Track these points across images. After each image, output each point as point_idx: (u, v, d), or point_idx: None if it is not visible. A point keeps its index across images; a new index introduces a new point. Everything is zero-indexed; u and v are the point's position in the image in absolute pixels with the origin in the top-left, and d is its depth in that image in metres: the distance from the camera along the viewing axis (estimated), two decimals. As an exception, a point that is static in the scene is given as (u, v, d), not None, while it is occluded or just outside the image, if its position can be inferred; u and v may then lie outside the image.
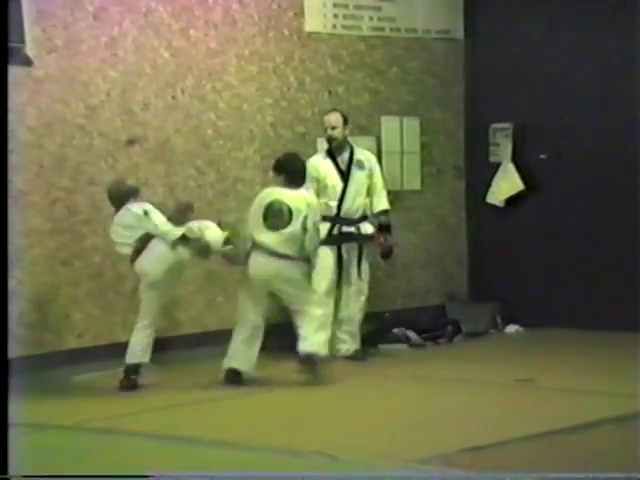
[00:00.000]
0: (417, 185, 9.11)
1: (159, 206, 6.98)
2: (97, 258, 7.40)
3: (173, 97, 7.78)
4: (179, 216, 6.94)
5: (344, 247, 7.72)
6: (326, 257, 7.61)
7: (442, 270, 9.22)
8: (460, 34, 9.32)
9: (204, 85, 7.94)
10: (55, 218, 7.22)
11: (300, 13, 8.46)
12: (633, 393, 6.25)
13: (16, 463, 5.05)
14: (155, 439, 5.57)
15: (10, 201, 6.90)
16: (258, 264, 6.87)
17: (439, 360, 7.79)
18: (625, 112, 8.46)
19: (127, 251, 6.83)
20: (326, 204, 7.65)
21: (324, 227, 7.59)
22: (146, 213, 6.76)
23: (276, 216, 6.91)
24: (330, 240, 7.64)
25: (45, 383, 6.84)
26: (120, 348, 7.34)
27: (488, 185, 9.13)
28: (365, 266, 7.81)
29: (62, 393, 6.78)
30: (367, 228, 7.79)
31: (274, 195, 6.97)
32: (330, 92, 8.64)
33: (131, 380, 6.81)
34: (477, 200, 9.25)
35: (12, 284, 6.94)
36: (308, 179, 7.60)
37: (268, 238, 6.84)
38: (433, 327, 8.60)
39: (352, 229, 7.73)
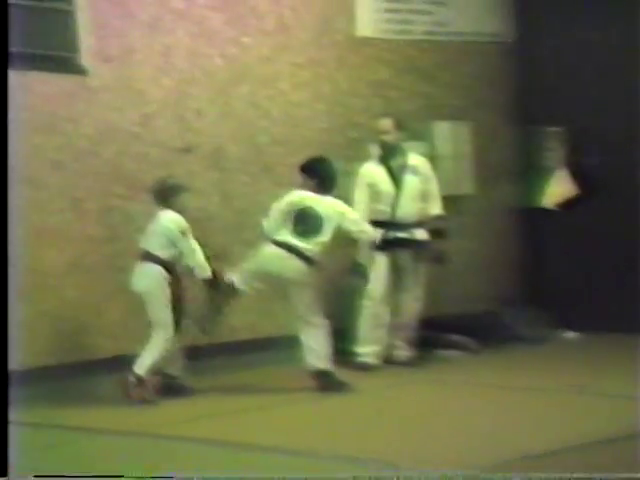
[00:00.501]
0: (470, 190, 9.07)
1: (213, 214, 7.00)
2: (153, 265, 7.44)
3: (226, 104, 7.84)
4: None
5: (398, 253, 7.69)
6: (380, 263, 7.62)
7: (496, 275, 9.16)
8: (511, 37, 9.27)
9: (257, 92, 7.99)
10: (111, 225, 7.29)
11: (352, 19, 8.49)
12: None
13: (73, 467, 5.13)
14: (212, 445, 5.59)
15: (67, 208, 7.04)
16: (278, 259, 6.84)
17: (494, 366, 7.73)
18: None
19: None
20: (379, 210, 7.65)
21: (377, 233, 7.59)
22: (183, 234, 6.72)
23: (308, 224, 6.90)
24: (384, 246, 7.62)
25: (102, 389, 6.87)
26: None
27: (541, 189, 9.07)
28: (419, 272, 7.78)
29: (119, 399, 6.76)
30: (421, 234, 7.76)
31: (307, 201, 6.92)
32: (382, 97, 8.64)
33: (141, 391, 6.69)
34: (530, 204, 9.19)
35: (70, 290, 7.05)
36: (361, 184, 7.65)
37: (290, 240, 6.86)
38: (488, 333, 8.54)
39: (406, 235, 7.69)
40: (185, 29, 7.64)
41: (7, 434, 4.24)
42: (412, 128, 8.69)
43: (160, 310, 6.71)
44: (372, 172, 7.70)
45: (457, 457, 5.18)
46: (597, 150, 8.87)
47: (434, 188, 7.83)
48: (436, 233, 7.79)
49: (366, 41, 8.55)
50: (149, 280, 6.72)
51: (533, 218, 9.24)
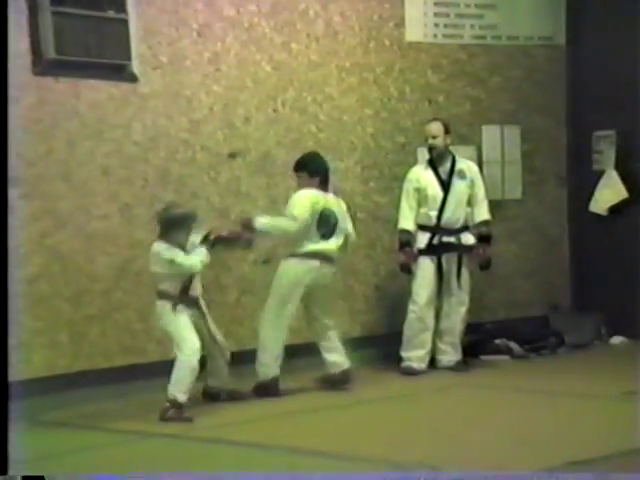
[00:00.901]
0: (518, 194, 9.03)
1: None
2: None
3: (274, 110, 7.88)
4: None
5: (444, 257, 7.67)
6: (426, 267, 7.62)
7: (545, 280, 9.12)
8: (562, 40, 9.21)
9: (305, 97, 8.01)
10: (159, 230, 7.37)
11: (401, 23, 8.49)
12: None
13: (118, 470, 5.21)
14: (257, 448, 5.63)
15: (116, 214, 7.14)
16: (314, 271, 6.89)
17: (542, 372, 7.70)
18: None
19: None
20: (426, 214, 7.65)
21: (424, 237, 7.62)
22: (172, 263, 6.41)
23: (327, 225, 6.95)
24: (430, 250, 7.63)
25: (149, 392, 6.91)
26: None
27: (591, 194, 9.00)
28: (465, 276, 7.75)
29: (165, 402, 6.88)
30: (468, 238, 7.73)
31: (322, 202, 6.95)
32: (430, 102, 8.64)
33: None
34: (580, 209, 9.12)
35: (118, 295, 7.15)
36: (409, 189, 7.65)
37: (321, 246, 6.89)
38: (536, 338, 8.50)
39: (452, 239, 7.67)
40: (234, 36, 7.69)
41: (7, 434, 4.29)
42: (460, 132, 8.73)
43: (178, 333, 6.49)
44: (420, 176, 7.71)
45: (501, 462, 5.16)
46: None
47: (481, 193, 7.80)
48: (482, 238, 7.77)
49: (415, 46, 8.55)
50: (160, 319, 6.56)
51: (583, 223, 9.17)
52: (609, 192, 8.92)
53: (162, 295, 6.49)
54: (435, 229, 7.65)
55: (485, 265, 7.79)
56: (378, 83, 8.38)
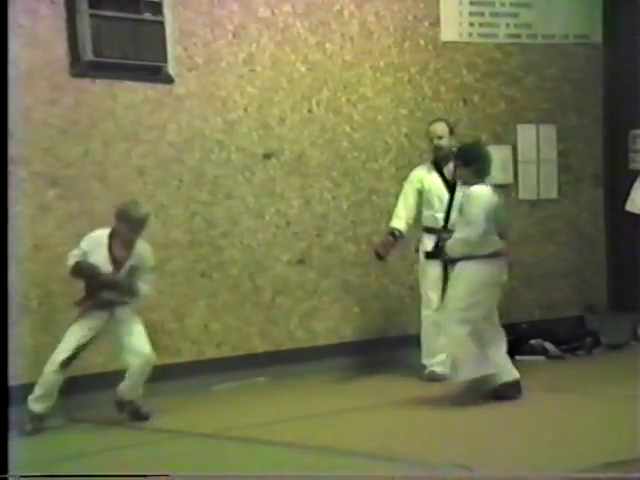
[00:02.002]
0: (554, 194, 8.98)
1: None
2: (235, 270, 7.55)
3: (309, 110, 7.89)
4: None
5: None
6: (434, 271, 7.38)
7: (581, 280, 9.07)
8: (598, 39, 9.14)
9: (339, 97, 8.02)
10: (194, 231, 7.40)
11: (436, 23, 8.47)
12: None
13: (153, 468, 5.24)
14: (292, 448, 5.64)
15: (152, 214, 7.17)
16: (502, 270, 6.69)
17: (578, 373, 7.64)
18: None
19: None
20: (432, 216, 7.46)
21: (431, 240, 7.41)
22: (132, 270, 6.31)
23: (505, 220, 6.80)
24: (437, 253, 7.27)
25: (184, 392, 6.98)
26: (257, 359, 7.53)
27: (627, 193, 8.92)
28: None
29: (200, 402, 6.91)
30: None
31: (495, 197, 6.69)
32: (465, 101, 8.61)
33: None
34: (616, 208, 9.03)
35: (153, 294, 7.19)
36: (409, 190, 7.46)
37: (500, 244, 6.70)
38: (571, 338, 8.46)
39: None
40: (269, 37, 7.71)
41: (7, 434, 4.33)
42: (495, 132, 8.71)
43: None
44: (423, 178, 7.52)
45: (537, 463, 5.12)
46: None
47: None
48: None
49: (450, 45, 8.52)
50: None
51: (619, 222, 9.10)
52: (644, 192, 8.85)
53: None
54: (441, 232, 7.36)
55: None
56: (412, 83, 8.36)
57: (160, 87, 7.23)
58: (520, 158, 8.80)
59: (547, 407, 6.59)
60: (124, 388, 6.41)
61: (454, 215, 7.34)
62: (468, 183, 6.70)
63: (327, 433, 6.00)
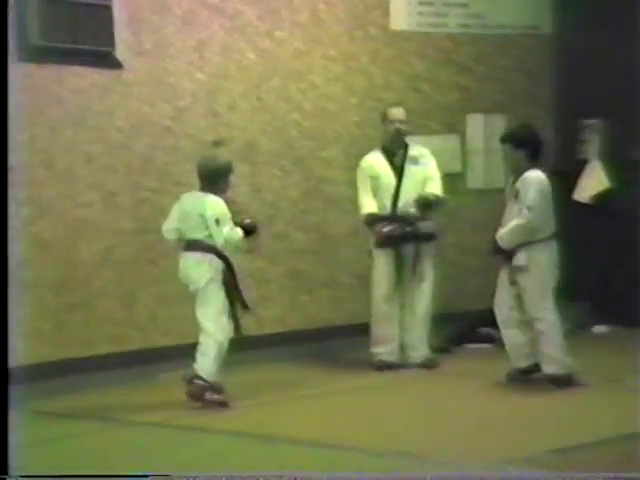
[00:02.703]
0: (501, 183, 8.98)
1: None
2: (182, 257, 7.53)
3: (258, 98, 7.88)
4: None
5: (402, 248, 7.35)
6: (384, 259, 7.34)
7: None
8: (549, 30, 9.21)
9: (289, 86, 8.01)
10: (142, 218, 7.36)
11: (386, 12, 8.48)
12: None
13: (100, 457, 5.22)
14: (237, 437, 5.66)
15: (99, 201, 7.13)
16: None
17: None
18: None
19: (173, 237, 6.50)
20: (381, 202, 7.35)
21: (382, 228, 7.33)
22: (218, 222, 6.33)
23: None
24: (386, 241, 7.31)
25: (131, 380, 6.95)
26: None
27: (575, 182, 9.02)
28: (426, 266, 7.40)
29: (148, 390, 6.89)
30: (426, 227, 7.39)
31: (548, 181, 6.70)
32: (416, 90, 8.63)
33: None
34: (565, 197, 9.11)
35: (100, 282, 7.16)
36: (364, 177, 7.36)
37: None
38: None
39: (409, 228, 7.35)
40: (219, 23, 7.69)
41: (7, 433, 4.30)
42: (446, 121, 8.74)
43: (214, 303, 6.35)
44: (373, 164, 7.43)
45: (482, 450, 5.20)
46: (634, 144, 8.80)
47: (433, 171, 7.44)
48: (423, 203, 7.37)
49: (400, 34, 8.54)
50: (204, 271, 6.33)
51: (568, 211, 9.15)
52: (593, 181, 8.94)
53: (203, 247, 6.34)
54: (390, 219, 7.34)
55: (430, 237, 7.38)
56: (363, 72, 8.37)
57: (108, 72, 7.19)
58: (469, 147, 8.84)
59: (493, 394, 6.65)
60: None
61: (402, 201, 7.37)
62: (519, 168, 6.66)
63: (273, 421, 6.04)
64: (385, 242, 7.31)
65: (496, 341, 8.28)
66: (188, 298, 7.48)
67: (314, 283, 7.84)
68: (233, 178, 6.56)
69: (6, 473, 4.30)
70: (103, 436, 5.83)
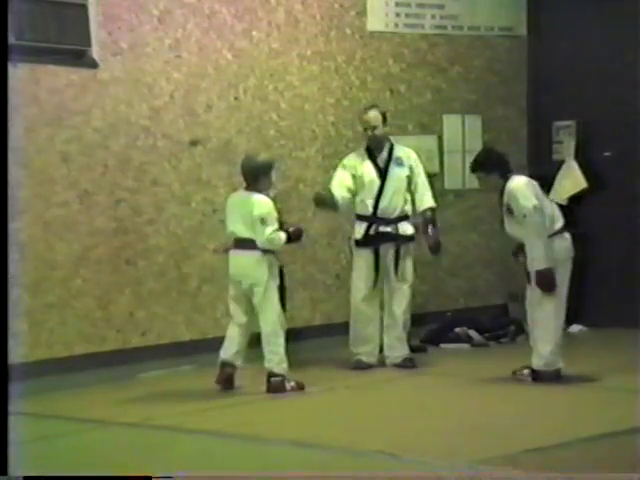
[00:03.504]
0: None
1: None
2: (160, 257, 7.50)
3: (235, 98, 7.86)
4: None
5: (382, 248, 7.37)
6: (364, 259, 7.35)
7: (505, 269, 9.14)
8: (523, 31, 9.27)
9: (266, 86, 8.00)
10: (119, 218, 7.33)
11: (362, 12, 8.49)
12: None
13: (78, 458, 5.19)
14: (218, 437, 5.63)
15: (75, 201, 7.09)
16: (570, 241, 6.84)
17: (501, 360, 7.68)
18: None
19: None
20: (363, 202, 7.36)
21: (361, 227, 7.36)
22: (263, 222, 6.55)
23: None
24: (367, 241, 7.34)
25: (109, 381, 6.93)
26: (183, 347, 7.49)
27: (551, 183, 9.06)
28: (406, 267, 7.40)
29: (126, 390, 6.86)
30: (406, 228, 7.39)
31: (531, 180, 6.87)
32: (392, 91, 8.66)
33: (224, 373, 6.73)
34: (540, 198, 9.18)
35: (78, 282, 7.12)
36: (343, 171, 7.37)
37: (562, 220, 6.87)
38: (495, 327, 8.55)
39: (390, 229, 7.37)
40: (195, 23, 7.66)
41: (7, 433, 4.26)
42: (421, 121, 8.77)
43: (275, 298, 6.67)
44: (356, 164, 7.41)
45: (460, 449, 5.20)
46: (609, 145, 8.87)
47: (422, 180, 7.49)
48: (429, 222, 7.46)
49: (376, 35, 8.56)
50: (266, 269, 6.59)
51: (543, 212, 9.23)
52: (568, 182, 8.99)
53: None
54: (372, 218, 7.36)
55: (435, 248, 7.49)
56: (339, 72, 8.38)
57: (84, 72, 7.15)
58: (446, 148, 8.88)
59: (470, 394, 6.67)
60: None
61: (385, 202, 7.39)
62: (498, 186, 6.78)
63: (253, 421, 6.03)
64: (363, 241, 7.31)
65: (472, 341, 8.36)
66: (165, 298, 7.52)
67: (292, 283, 7.81)
68: (275, 175, 6.74)
69: (6, 473, 4.26)
70: (80, 437, 5.79)
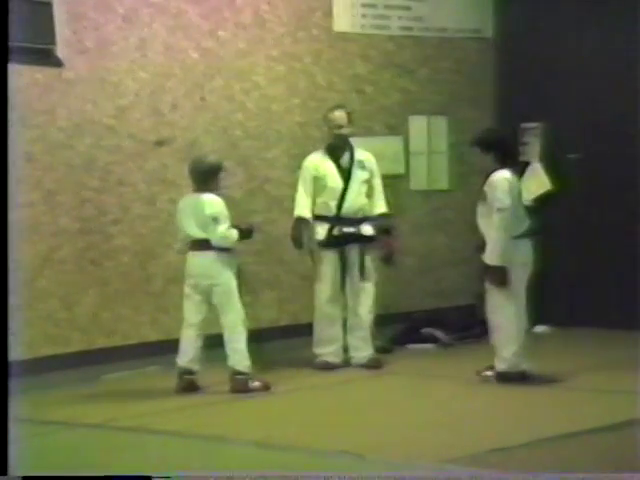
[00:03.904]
0: (444, 185, 9.10)
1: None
2: (126, 258, 7.51)
3: (202, 98, 7.87)
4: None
5: (346, 249, 7.40)
6: (327, 260, 7.38)
7: (471, 270, 9.13)
8: (489, 33, 9.32)
9: (233, 86, 8.01)
10: (84, 218, 7.33)
11: (329, 13, 8.51)
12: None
13: (41, 460, 5.15)
14: (181, 437, 5.64)
15: (40, 201, 7.05)
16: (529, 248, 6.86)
17: (468, 360, 7.69)
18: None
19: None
20: (325, 204, 7.40)
21: (323, 228, 7.39)
22: (215, 221, 6.62)
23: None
24: (330, 242, 7.37)
25: (73, 382, 6.90)
26: (148, 347, 7.47)
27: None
28: (369, 268, 7.43)
29: (90, 392, 6.84)
30: (368, 229, 7.44)
31: (516, 180, 6.88)
32: (359, 92, 8.68)
33: (183, 382, 6.75)
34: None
35: (42, 283, 7.09)
36: (306, 177, 7.39)
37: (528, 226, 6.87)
38: (462, 327, 8.57)
39: (352, 230, 7.40)
40: (161, 22, 7.67)
41: (7, 433, 4.25)
42: (388, 123, 8.80)
43: (236, 296, 6.73)
44: (318, 165, 7.44)
45: (425, 449, 5.23)
46: (574, 147, 8.94)
47: (378, 184, 7.55)
48: (383, 231, 7.50)
49: (343, 36, 8.58)
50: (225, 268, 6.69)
51: (509, 213, 9.28)
52: (534, 183, 9.01)
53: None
54: (334, 220, 7.39)
55: (388, 258, 7.52)
56: (306, 72, 8.40)
57: (49, 70, 7.13)
58: (412, 149, 8.90)
59: (436, 394, 6.71)
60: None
61: (348, 204, 7.41)
62: (488, 170, 6.78)
63: (217, 421, 6.04)
64: (327, 242, 7.35)
65: (438, 341, 8.39)
66: (131, 298, 7.50)
67: (258, 283, 7.82)
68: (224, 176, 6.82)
69: (6, 473, 4.24)
70: (44, 438, 5.76)
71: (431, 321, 8.52)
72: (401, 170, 8.81)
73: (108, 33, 7.41)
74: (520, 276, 6.79)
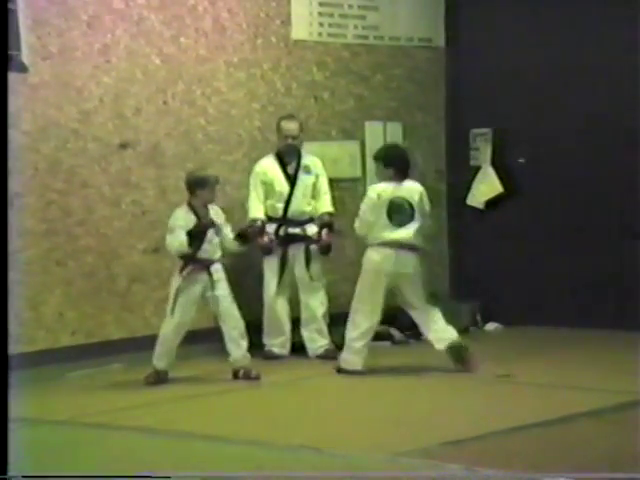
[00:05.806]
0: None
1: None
2: (90, 258, 7.58)
3: (164, 102, 7.97)
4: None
5: (290, 248, 7.91)
6: (273, 258, 7.88)
7: (424, 270, 9.38)
8: (441, 42, 9.52)
9: (194, 91, 8.12)
10: (49, 219, 7.40)
11: (287, 21, 8.65)
12: (607, 388, 6.48)
13: (10, 458, 5.21)
14: (146, 433, 5.72)
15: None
16: (387, 258, 7.12)
17: (421, 356, 7.83)
18: (603, 117, 8.71)
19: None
20: (273, 206, 7.91)
21: (270, 228, 7.88)
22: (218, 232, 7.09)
23: (401, 213, 7.19)
24: (277, 241, 7.88)
25: (39, 380, 6.93)
26: (113, 346, 7.57)
27: (468, 188, 9.34)
28: (316, 265, 7.95)
29: (55, 389, 6.91)
30: (313, 229, 7.97)
31: (392, 192, 7.19)
32: (316, 98, 8.83)
33: (158, 379, 7.01)
34: (458, 202, 9.45)
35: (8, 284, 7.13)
36: (256, 182, 7.89)
37: (396, 235, 7.13)
38: (416, 324, 8.73)
39: (298, 230, 7.93)
40: (124, 29, 7.75)
41: (7, 433, 4.32)
42: (344, 128, 8.99)
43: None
44: (267, 170, 7.95)
45: (379, 443, 5.36)
46: (522, 151, 9.18)
47: (324, 186, 8.05)
48: (324, 226, 7.96)
49: (300, 43, 8.73)
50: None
51: (460, 215, 9.51)
52: (485, 186, 9.26)
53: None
54: (281, 221, 7.92)
55: (325, 250, 7.96)
56: (265, 79, 8.54)
57: (14, 76, 7.13)
58: (368, 153, 9.07)
59: (390, 389, 6.87)
60: (236, 355, 7.03)
61: (294, 206, 7.89)
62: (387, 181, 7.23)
63: (180, 417, 6.13)
64: (265, 252, 7.85)
65: (393, 338, 8.57)
66: (95, 298, 7.58)
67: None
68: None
69: (6, 473, 4.27)
70: (10, 435, 5.81)
71: (386, 319, 8.64)
72: (358, 173, 9.02)
73: (72, 39, 7.49)
74: (372, 282, 7.19)
